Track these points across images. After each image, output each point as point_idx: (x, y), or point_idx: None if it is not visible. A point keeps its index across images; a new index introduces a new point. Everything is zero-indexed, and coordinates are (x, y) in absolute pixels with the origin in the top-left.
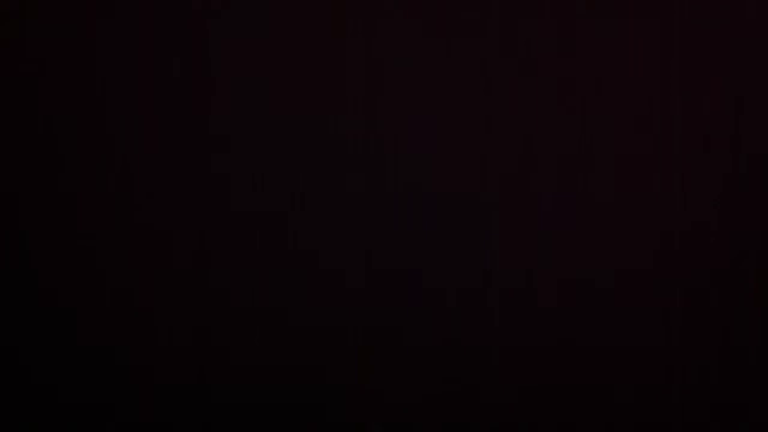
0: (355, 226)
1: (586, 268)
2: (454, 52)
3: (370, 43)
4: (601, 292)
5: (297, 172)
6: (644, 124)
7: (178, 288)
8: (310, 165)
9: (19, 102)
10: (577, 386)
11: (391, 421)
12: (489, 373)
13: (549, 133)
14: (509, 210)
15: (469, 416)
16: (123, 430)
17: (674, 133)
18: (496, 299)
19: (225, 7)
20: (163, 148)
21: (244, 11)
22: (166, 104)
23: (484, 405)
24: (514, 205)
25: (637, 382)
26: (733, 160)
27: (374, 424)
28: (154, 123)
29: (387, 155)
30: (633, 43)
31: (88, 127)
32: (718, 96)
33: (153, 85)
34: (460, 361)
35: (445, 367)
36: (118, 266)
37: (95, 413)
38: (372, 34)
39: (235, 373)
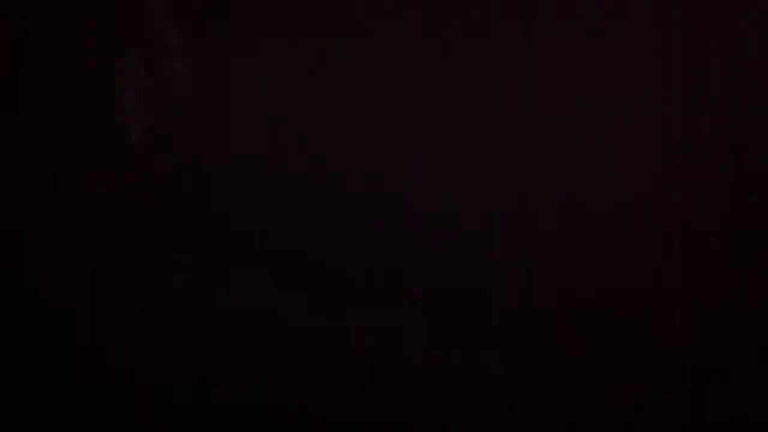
0: (355, 227)
1: (587, 270)
2: (453, 55)
3: (366, 45)
4: (601, 294)
5: (294, 171)
6: (644, 126)
7: (177, 288)
8: (309, 165)
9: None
10: (577, 386)
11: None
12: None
13: (548, 133)
14: (509, 211)
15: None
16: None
17: (674, 136)
18: (497, 300)
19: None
20: (161, 148)
21: (239, 11)
22: (161, 105)
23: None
24: (514, 208)
25: (637, 382)
26: (734, 161)
27: None
28: (149, 123)
29: (387, 157)
30: (632, 45)
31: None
32: (718, 97)
33: (152, 84)
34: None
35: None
36: (115, 267)
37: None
38: (369, 34)
39: (235, 374)
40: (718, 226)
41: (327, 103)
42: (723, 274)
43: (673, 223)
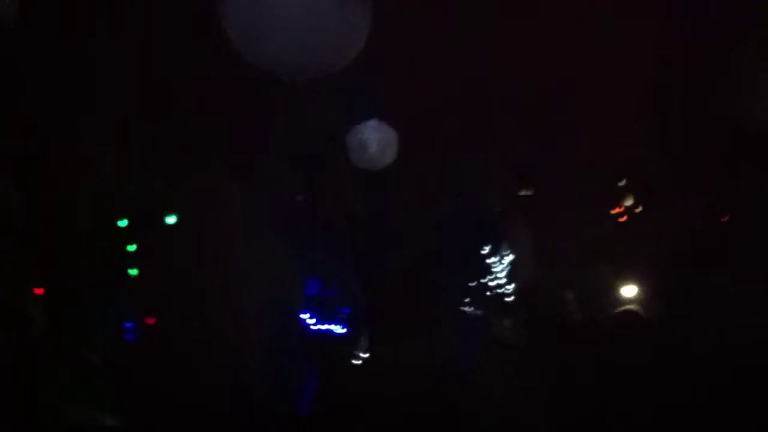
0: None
1: (586, 271)
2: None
3: None
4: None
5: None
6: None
7: (179, 289)
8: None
9: None
10: (576, 386)
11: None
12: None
13: (548, 134)
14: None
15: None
16: None
17: (673, 138)
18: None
19: None
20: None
21: None
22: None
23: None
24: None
25: (636, 382)
26: (732, 161)
27: None
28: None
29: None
30: (632, 49)
31: None
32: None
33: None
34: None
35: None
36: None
37: None
38: None
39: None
40: (718, 227)
41: None
42: (723, 275)
43: (674, 224)
